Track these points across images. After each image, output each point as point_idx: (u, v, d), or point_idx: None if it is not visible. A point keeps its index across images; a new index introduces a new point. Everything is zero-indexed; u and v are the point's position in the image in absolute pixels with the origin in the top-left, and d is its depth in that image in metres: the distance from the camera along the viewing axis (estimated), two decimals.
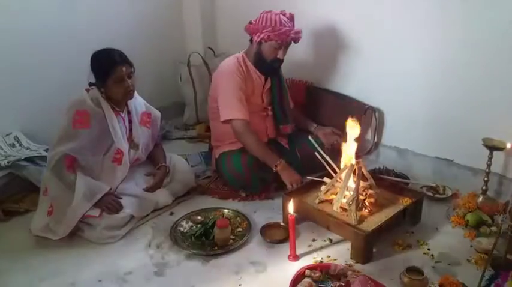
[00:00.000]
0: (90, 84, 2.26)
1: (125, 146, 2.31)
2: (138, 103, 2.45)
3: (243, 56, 2.62)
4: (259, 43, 2.50)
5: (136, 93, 2.38)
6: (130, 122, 2.38)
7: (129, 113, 2.37)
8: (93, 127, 2.20)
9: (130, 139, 2.37)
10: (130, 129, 2.38)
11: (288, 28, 2.46)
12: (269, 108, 2.74)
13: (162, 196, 2.44)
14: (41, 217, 2.20)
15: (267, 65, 2.57)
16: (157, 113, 2.56)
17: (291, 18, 2.52)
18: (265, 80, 2.67)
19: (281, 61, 2.58)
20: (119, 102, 2.30)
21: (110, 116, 2.24)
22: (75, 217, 2.12)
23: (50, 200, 2.20)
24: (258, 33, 2.46)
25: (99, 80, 2.22)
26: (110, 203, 2.21)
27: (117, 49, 2.25)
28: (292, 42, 2.53)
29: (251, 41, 2.57)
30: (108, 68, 2.17)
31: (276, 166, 2.44)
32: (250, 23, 2.54)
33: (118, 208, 2.23)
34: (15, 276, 1.96)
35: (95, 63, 2.22)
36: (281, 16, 2.47)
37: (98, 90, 2.24)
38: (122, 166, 2.32)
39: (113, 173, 2.30)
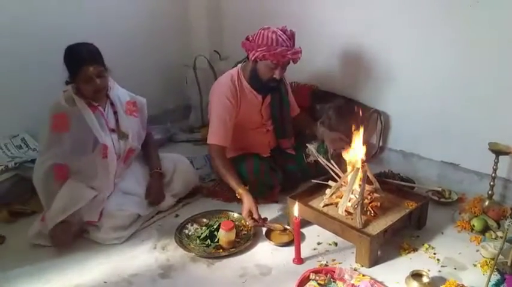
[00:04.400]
0: (67, 82, 2.21)
1: (107, 139, 2.25)
2: (121, 93, 2.40)
3: (238, 72, 2.53)
4: (255, 61, 2.38)
5: (117, 85, 2.36)
6: (115, 113, 2.33)
7: (112, 104, 2.33)
8: (72, 129, 2.17)
9: (118, 130, 2.33)
10: (117, 120, 2.33)
11: (284, 48, 2.30)
12: (269, 123, 2.69)
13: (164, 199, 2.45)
14: (36, 223, 2.20)
15: (263, 84, 2.46)
16: (142, 100, 2.51)
17: (291, 36, 2.36)
18: (264, 97, 2.59)
19: (277, 81, 2.45)
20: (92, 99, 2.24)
21: (87, 113, 2.20)
22: (49, 226, 2.11)
23: (43, 203, 2.19)
24: (253, 52, 2.33)
25: (70, 77, 2.17)
26: (60, 233, 2.11)
27: (92, 44, 2.20)
28: (292, 62, 2.39)
29: (248, 57, 2.44)
30: (76, 67, 2.12)
31: (237, 194, 2.33)
32: (247, 38, 2.41)
33: (62, 241, 2.13)
34: (21, 278, 1.97)
35: (66, 60, 2.16)
36: (278, 34, 2.31)
37: (72, 87, 2.20)
38: (110, 159, 2.25)
39: (105, 169, 2.26)
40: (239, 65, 2.58)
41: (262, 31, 2.34)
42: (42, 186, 2.18)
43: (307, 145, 2.58)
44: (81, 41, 2.94)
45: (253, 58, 2.35)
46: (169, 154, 2.67)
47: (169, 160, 2.57)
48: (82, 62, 2.11)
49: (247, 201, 2.27)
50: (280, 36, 2.31)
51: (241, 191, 2.31)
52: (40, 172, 2.18)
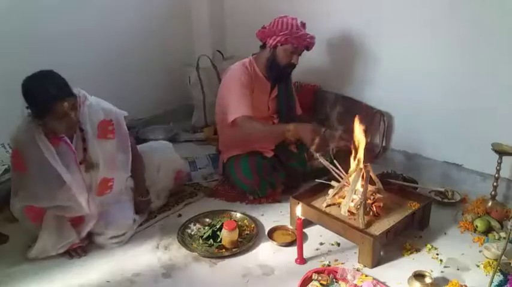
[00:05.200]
0: (29, 113, 1.93)
1: (73, 174, 2.00)
2: (93, 111, 2.06)
3: (250, 61, 2.61)
4: (274, 47, 2.48)
5: (91, 99, 2.06)
6: (84, 139, 2.04)
7: (81, 130, 2.03)
8: (31, 168, 1.96)
9: (85, 160, 2.05)
10: (85, 149, 2.04)
11: (304, 32, 2.47)
12: (275, 116, 2.73)
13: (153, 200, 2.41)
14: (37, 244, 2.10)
15: (280, 70, 2.55)
16: (119, 117, 2.17)
17: (304, 26, 2.52)
18: (272, 88, 2.67)
19: (294, 66, 2.57)
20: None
21: (47, 150, 1.93)
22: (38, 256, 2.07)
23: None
24: (274, 37, 2.45)
25: (35, 114, 1.89)
26: (75, 250, 2.11)
27: (52, 72, 1.91)
28: (306, 49, 2.53)
29: (263, 46, 2.57)
30: (46, 106, 1.83)
31: (288, 133, 2.34)
32: (264, 27, 2.53)
33: (81, 254, 2.11)
34: (25, 277, 1.98)
35: (29, 98, 1.86)
36: (297, 21, 2.47)
37: (33, 119, 1.92)
38: (77, 195, 2.03)
39: (77, 203, 2.05)
40: (250, 56, 2.65)
41: (280, 19, 2.47)
42: (23, 224, 2.15)
43: (310, 149, 2.55)
44: (86, 41, 2.94)
45: (274, 43, 2.46)
46: (150, 146, 2.58)
47: (152, 156, 2.44)
48: (53, 99, 1.82)
49: (306, 126, 2.30)
50: (297, 23, 2.47)
51: (291, 127, 2.32)
52: (15, 213, 2.09)
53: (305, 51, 2.56)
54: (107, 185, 2.15)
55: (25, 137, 1.94)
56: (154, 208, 2.43)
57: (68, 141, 2.00)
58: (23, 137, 1.95)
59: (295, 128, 2.32)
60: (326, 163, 2.32)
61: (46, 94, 1.83)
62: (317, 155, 2.38)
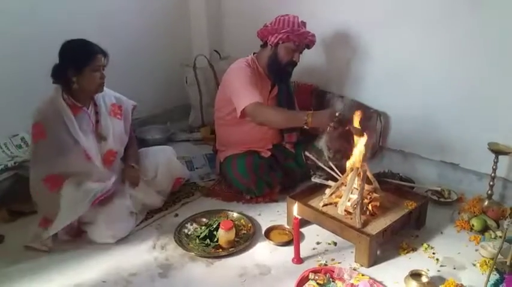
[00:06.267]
0: (54, 81, 2.16)
1: (86, 144, 2.19)
2: (107, 95, 2.35)
3: (252, 59, 2.62)
4: (276, 45, 2.49)
5: (105, 89, 2.27)
6: (96, 113, 2.27)
7: (95, 105, 2.28)
8: (50, 135, 2.12)
9: (96, 132, 2.26)
10: (97, 121, 2.27)
11: (306, 30, 2.50)
12: None
13: (148, 197, 2.41)
14: (33, 226, 2.18)
15: (281, 69, 2.55)
16: (128, 106, 2.45)
17: (304, 24, 2.53)
18: (272, 86, 2.67)
19: (295, 65, 2.57)
20: (88, 95, 2.22)
21: (68, 116, 2.15)
22: (69, 218, 2.11)
23: (42, 213, 2.19)
24: (276, 34, 2.46)
25: (73, 69, 2.11)
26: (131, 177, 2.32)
27: None
28: (306, 47, 2.56)
29: (264, 45, 2.57)
30: (89, 55, 2.11)
31: (306, 123, 2.25)
32: (266, 25, 2.54)
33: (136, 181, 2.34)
34: (23, 277, 1.97)
35: (72, 50, 2.14)
36: (298, 19, 2.49)
37: (60, 87, 2.16)
38: (94, 160, 2.22)
39: (95, 167, 2.23)
40: (251, 55, 2.65)
41: (282, 17, 2.49)
42: (41, 201, 2.18)
43: (306, 152, 2.54)
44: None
45: (276, 41, 2.47)
46: (152, 148, 2.63)
47: (152, 156, 2.50)
48: (95, 52, 2.13)
49: (322, 111, 2.26)
50: (299, 21, 2.50)
51: (310, 117, 2.22)
52: (35, 189, 2.16)
53: (305, 51, 2.57)
54: (110, 159, 2.32)
55: (49, 106, 2.15)
56: (150, 205, 2.43)
57: (87, 110, 2.23)
58: (47, 106, 2.15)
59: (310, 118, 2.23)
60: (324, 167, 2.33)
61: (91, 47, 2.14)
62: (316, 160, 2.37)
